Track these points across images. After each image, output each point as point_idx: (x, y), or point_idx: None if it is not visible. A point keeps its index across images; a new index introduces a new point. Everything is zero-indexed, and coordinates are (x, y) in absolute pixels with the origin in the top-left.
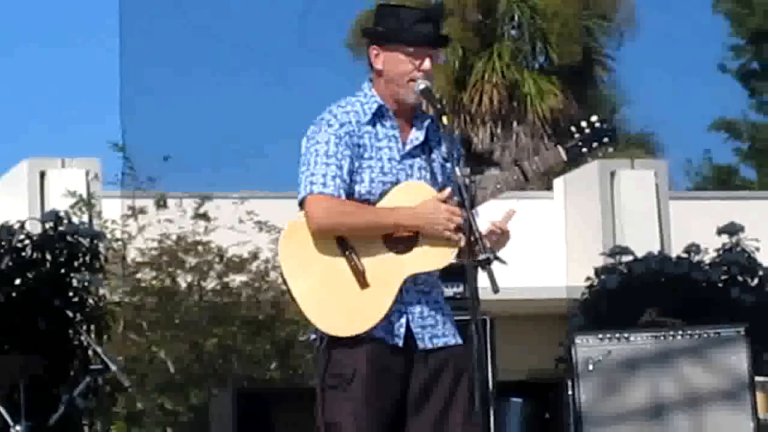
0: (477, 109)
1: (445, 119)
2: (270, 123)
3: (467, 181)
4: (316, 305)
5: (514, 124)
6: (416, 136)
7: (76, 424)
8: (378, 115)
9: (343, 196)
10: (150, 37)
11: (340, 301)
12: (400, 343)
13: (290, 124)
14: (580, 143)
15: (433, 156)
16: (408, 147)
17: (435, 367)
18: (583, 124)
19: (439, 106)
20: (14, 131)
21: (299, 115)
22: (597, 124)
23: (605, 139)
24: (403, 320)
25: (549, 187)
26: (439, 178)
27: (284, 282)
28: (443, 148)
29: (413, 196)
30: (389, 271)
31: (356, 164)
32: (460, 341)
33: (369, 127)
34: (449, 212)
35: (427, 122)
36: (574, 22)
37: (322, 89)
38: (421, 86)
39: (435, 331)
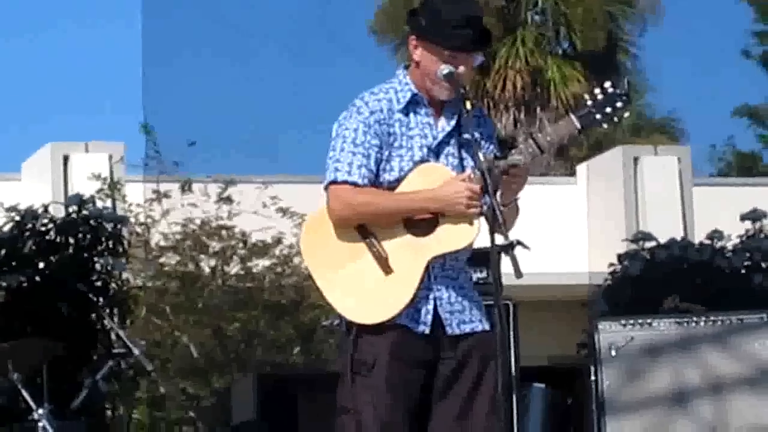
0: (500, 95)
1: (468, 104)
2: (294, 108)
3: (490, 166)
4: (341, 293)
5: (538, 110)
6: (446, 123)
7: (98, 408)
8: (412, 103)
9: (368, 185)
10: (173, 22)
11: (364, 289)
12: (427, 330)
13: (314, 109)
14: (593, 109)
15: (463, 142)
16: (440, 135)
17: (463, 353)
18: (596, 90)
19: (462, 91)
20: (38, 115)
21: (323, 100)
22: (610, 90)
23: (618, 104)
24: (430, 307)
25: (572, 173)
26: (468, 164)
27: (309, 274)
28: (475, 134)
29: (430, 178)
30: (412, 255)
31: (386, 153)
32: (487, 327)
33: (401, 116)
34: (469, 190)
35: (457, 109)
36: (598, 8)
37: (346, 74)
38: (445, 71)
39: (463, 317)
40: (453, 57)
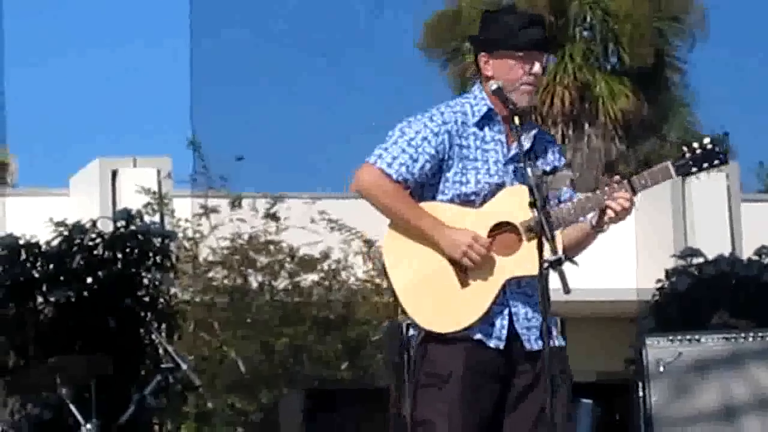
0: (548, 110)
1: (517, 120)
2: (341, 123)
3: (539, 181)
4: (416, 300)
5: (586, 125)
6: (521, 142)
7: (146, 423)
8: (486, 118)
9: (401, 184)
10: (221, 38)
11: (439, 298)
12: (501, 345)
13: (361, 124)
14: (690, 161)
15: (537, 164)
16: (512, 152)
17: (539, 368)
18: (695, 145)
19: (511, 106)
20: (86, 130)
21: (370, 115)
22: (709, 146)
23: (716, 162)
24: (505, 322)
25: None
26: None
27: (385, 274)
28: (548, 157)
29: (518, 199)
30: (490, 272)
31: (460, 165)
32: (563, 343)
33: (476, 129)
34: (470, 245)
35: (534, 131)
36: (646, 24)
37: (394, 90)
38: (494, 86)
39: (539, 333)
40: (526, 59)
